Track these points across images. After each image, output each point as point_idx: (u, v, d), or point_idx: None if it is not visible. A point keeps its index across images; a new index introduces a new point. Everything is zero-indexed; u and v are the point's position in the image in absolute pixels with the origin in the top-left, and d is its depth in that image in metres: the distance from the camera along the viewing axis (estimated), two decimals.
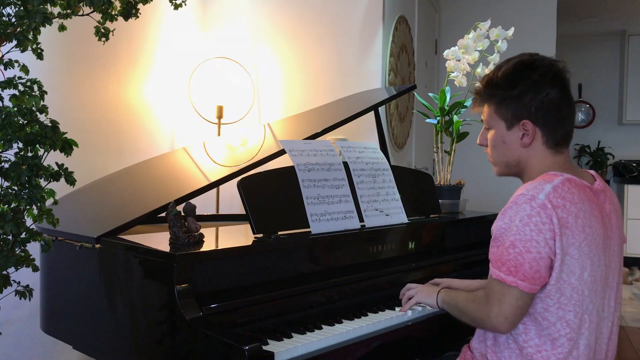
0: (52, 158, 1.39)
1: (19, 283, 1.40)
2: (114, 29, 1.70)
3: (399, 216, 2.02)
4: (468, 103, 2.52)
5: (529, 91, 1.44)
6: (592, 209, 1.40)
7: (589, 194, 1.43)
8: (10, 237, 1.32)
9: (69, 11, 1.53)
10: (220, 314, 1.41)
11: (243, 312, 1.47)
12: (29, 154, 1.32)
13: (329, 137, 2.57)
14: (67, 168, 1.38)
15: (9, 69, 1.35)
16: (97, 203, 2.21)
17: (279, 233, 1.66)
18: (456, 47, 2.51)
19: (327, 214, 1.77)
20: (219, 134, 3.35)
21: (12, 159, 1.31)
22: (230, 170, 1.91)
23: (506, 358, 1.44)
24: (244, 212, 1.64)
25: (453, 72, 2.53)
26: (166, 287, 1.41)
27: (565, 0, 5.28)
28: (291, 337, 1.45)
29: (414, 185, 2.25)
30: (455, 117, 2.57)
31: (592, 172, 1.53)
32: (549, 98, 1.43)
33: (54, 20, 1.41)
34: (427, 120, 2.66)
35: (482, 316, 1.42)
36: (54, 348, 2.56)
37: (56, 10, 1.52)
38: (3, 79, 1.32)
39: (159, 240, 1.64)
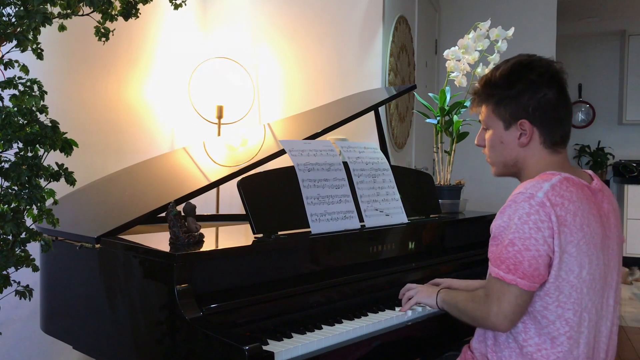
0: (52, 158, 1.39)
1: (19, 283, 1.40)
2: (114, 29, 1.70)
3: (399, 216, 2.02)
4: (468, 103, 2.51)
5: (527, 91, 1.45)
6: (590, 208, 1.41)
7: (587, 193, 1.43)
8: (10, 237, 1.32)
9: (69, 11, 1.53)
10: (220, 314, 1.41)
11: (243, 312, 1.47)
12: (29, 154, 1.32)
13: (329, 137, 2.57)
14: (67, 168, 1.38)
15: (9, 69, 1.35)
16: (97, 203, 2.21)
17: (279, 233, 1.66)
18: (456, 47, 2.51)
19: (327, 214, 1.77)
20: (219, 134, 3.35)
21: (12, 159, 1.31)
22: (230, 170, 1.91)
23: (506, 357, 1.44)
24: (244, 212, 1.64)
25: (453, 72, 2.53)
26: (166, 287, 1.41)
27: (565, 0, 5.28)
28: (291, 337, 1.45)
29: (414, 185, 2.25)
30: (455, 117, 2.57)
31: (590, 171, 1.54)
32: (547, 98, 1.44)
33: (54, 20, 1.41)
34: (427, 120, 2.66)
35: (481, 315, 1.42)
36: (54, 348, 2.56)
37: (56, 10, 1.52)
38: (3, 79, 1.32)
39: (159, 240, 1.64)
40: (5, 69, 1.35)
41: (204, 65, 3.37)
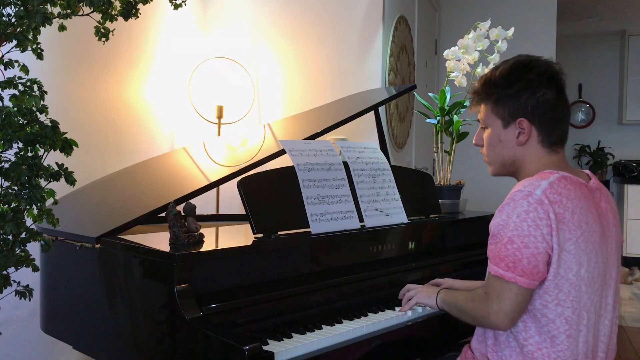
0: (52, 158, 1.39)
1: (19, 283, 1.40)
2: (114, 29, 1.70)
3: (399, 216, 2.02)
4: (468, 103, 2.51)
5: (526, 90, 1.46)
6: (588, 206, 1.42)
7: (585, 191, 1.44)
8: (10, 237, 1.32)
9: (69, 11, 1.53)
10: (220, 314, 1.41)
11: (243, 312, 1.47)
12: (29, 154, 1.32)
13: (329, 137, 2.57)
14: (67, 168, 1.38)
15: (9, 69, 1.35)
16: (97, 203, 2.21)
17: (279, 233, 1.66)
18: (456, 47, 2.51)
19: (327, 213, 1.77)
20: (219, 134, 3.35)
21: (12, 159, 1.31)
22: (230, 170, 1.91)
23: (507, 357, 1.44)
24: (244, 212, 1.64)
25: (453, 72, 2.53)
26: (166, 287, 1.41)
27: (565, 0, 5.28)
28: (291, 337, 1.45)
29: (414, 185, 2.25)
30: (455, 117, 2.57)
31: (588, 171, 1.55)
32: (545, 98, 1.46)
33: (54, 20, 1.41)
34: (427, 120, 2.66)
35: (481, 314, 1.42)
36: (54, 348, 2.56)
37: (56, 10, 1.52)
38: (3, 79, 1.32)
39: (159, 240, 1.64)
40: (5, 69, 1.35)
41: (204, 65, 3.37)
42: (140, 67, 3.13)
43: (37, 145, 1.32)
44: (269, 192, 1.71)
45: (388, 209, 1.99)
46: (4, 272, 1.33)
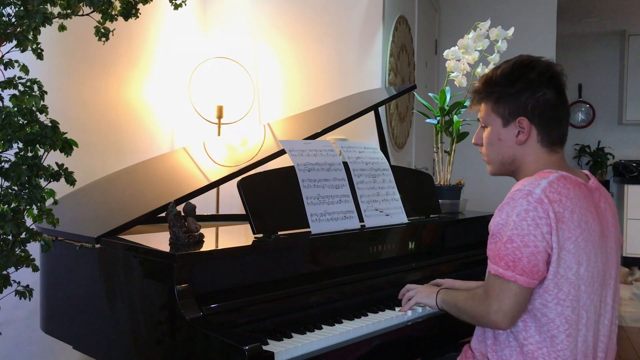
0: (52, 158, 1.39)
1: (19, 283, 1.40)
2: (114, 29, 1.70)
3: (399, 216, 2.02)
4: (468, 103, 2.51)
5: (527, 89, 1.47)
6: (587, 205, 1.42)
7: (584, 191, 1.44)
8: (10, 237, 1.32)
9: (69, 11, 1.53)
10: (220, 314, 1.41)
11: (243, 312, 1.47)
12: (29, 154, 1.32)
13: (329, 137, 2.57)
14: (67, 168, 1.38)
15: (9, 69, 1.36)
16: (97, 203, 2.21)
17: (279, 233, 1.66)
18: (456, 47, 2.51)
19: (327, 214, 1.77)
20: (219, 134, 3.35)
21: (12, 159, 1.31)
22: (230, 170, 1.91)
23: (507, 356, 1.44)
24: (244, 212, 1.64)
25: (453, 72, 2.53)
26: (166, 287, 1.41)
27: (565, 0, 5.28)
28: (291, 337, 1.45)
29: (414, 185, 2.25)
30: (455, 117, 2.57)
31: (586, 171, 1.55)
32: (546, 98, 1.46)
33: (54, 20, 1.41)
34: (427, 120, 2.66)
35: (481, 313, 1.42)
36: (54, 348, 2.56)
37: (56, 10, 1.52)
38: (3, 79, 1.32)
39: (159, 240, 1.64)
40: (5, 69, 1.35)
41: (204, 65, 3.37)
42: (140, 67, 3.13)
43: (37, 145, 1.32)
44: (269, 192, 1.71)
45: (388, 209, 1.99)
46: (4, 272, 1.33)
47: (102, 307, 1.67)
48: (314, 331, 1.50)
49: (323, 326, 1.54)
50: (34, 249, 1.50)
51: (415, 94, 2.92)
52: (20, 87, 1.32)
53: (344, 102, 2.85)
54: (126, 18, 1.72)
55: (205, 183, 1.84)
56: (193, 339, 1.34)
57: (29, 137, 1.30)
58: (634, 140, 6.88)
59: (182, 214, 1.61)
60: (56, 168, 1.37)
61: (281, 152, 1.91)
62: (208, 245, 1.58)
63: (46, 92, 1.37)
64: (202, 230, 1.62)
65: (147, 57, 3.19)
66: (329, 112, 2.70)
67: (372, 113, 2.47)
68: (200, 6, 3.61)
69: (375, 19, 3.31)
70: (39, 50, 1.43)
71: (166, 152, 3.01)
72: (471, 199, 2.89)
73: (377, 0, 3.30)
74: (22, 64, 1.38)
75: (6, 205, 1.30)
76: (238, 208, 3.09)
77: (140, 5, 1.74)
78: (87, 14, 1.60)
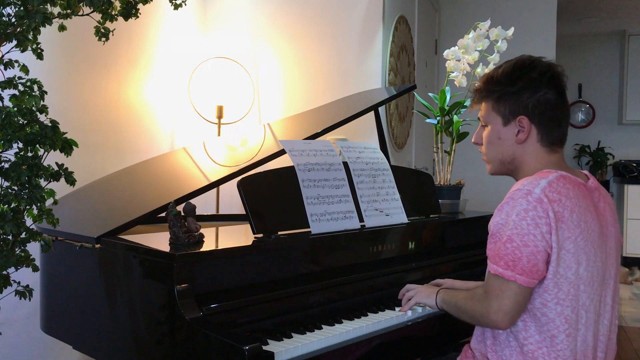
0: (52, 158, 1.39)
1: (19, 283, 1.40)
2: (114, 29, 1.70)
3: (399, 216, 2.02)
4: (468, 103, 2.51)
5: (528, 89, 1.47)
6: (587, 205, 1.42)
7: (584, 191, 1.45)
8: (10, 237, 1.32)
9: (69, 11, 1.53)
10: (220, 314, 1.41)
11: (243, 312, 1.47)
12: (29, 154, 1.32)
13: (329, 137, 2.57)
14: (67, 168, 1.38)
15: (9, 69, 1.36)
16: (97, 203, 2.21)
17: (279, 233, 1.66)
18: (456, 47, 2.51)
19: (327, 214, 1.77)
20: (219, 134, 3.35)
21: (12, 159, 1.31)
22: (230, 170, 1.91)
23: (507, 356, 1.44)
24: (244, 212, 1.64)
25: (453, 72, 2.53)
26: (166, 287, 1.41)
27: (565, 0, 5.28)
28: (291, 337, 1.45)
29: (414, 185, 2.25)
30: (455, 117, 2.57)
31: (586, 172, 1.56)
32: (546, 97, 1.47)
33: (54, 20, 1.41)
34: (427, 120, 2.66)
35: (481, 313, 1.42)
36: (54, 348, 2.56)
37: (56, 10, 1.52)
38: (3, 79, 1.32)
39: (159, 240, 1.64)
40: (5, 69, 1.35)
41: (204, 65, 3.37)
42: (140, 67, 3.13)
43: (37, 145, 1.32)
44: (269, 192, 1.71)
45: (388, 209, 1.99)
46: (4, 272, 1.33)
47: (102, 307, 1.67)
48: (314, 331, 1.50)
49: (323, 326, 1.54)
50: (34, 249, 1.50)
51: (415, 94, 2.92)
52: (20, 87, 1.32)
53: (344, 102, 2.85)
54: (126, 18, 1.72)
55: (205, 183, 1.83)
56: (193, 339, 1.34)
57: (29, 137, 1.30)
58: (634, 140, 6.88)
59: (182, 214, 1.61)
60: (56, 168, 1.37)
61: (281, 152, 1.91)
62: (208, 245, 1.58)
63: (46, 92, 1.37)
64: (202, 230, 1.62)
65: (147, 57, 3.19)
66: (329, 112, 2.70)
67: (372, 113, 2.47)
68: (200, 6, 3.61)
69: (375, 19, 3.31)
70: (39, 50, 1.43)
71: (166, 152, 3.01)
72: (471, 199, 2.89)
73: (377, 0, 3.30)
74: (22, 64, 1.38)
75: (6, 205, 1.30)
76: (238, 208, 3.09)
77: (140, 5, 1.74)
78: (87, 14, 1.60)
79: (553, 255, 1.35)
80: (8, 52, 1.37)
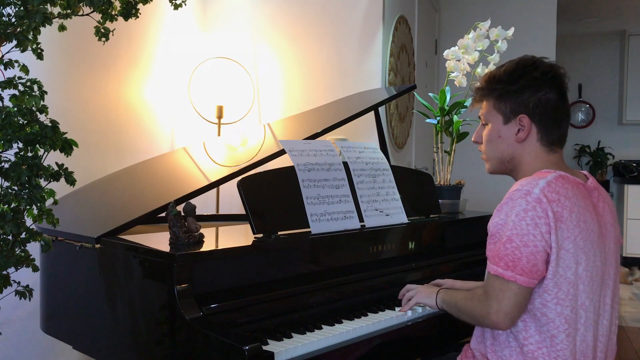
0: (52, 158, 1.39)
1: (19, 283, 1.40)
2: (114, 29, 1.70)
3: (399, 216, 2.02)
4: (468, 103, 2.52)
5: (529, 88, 1.48)
6: (586, 205, 1.42)
7: (582, 191, 1.45)
8: (10, 237, 1.32)
9: (69, 11, 1.53)
10: (220, 314, 1.41)
11: (243, 312, 1.47)
12: (29, 154, 1.32)
13: (329, 137, 2.57)
14: (67, 168, 1.38)
15: (9, 69, 1.35)
16: (97, 203, 2.21)
17: (279, 233, 1.66)
18: (456, 47, 2.51)
19: (327, 214, 1.77)
20: (219, 134, 3.35)
21: (12, 159, 1.31)
22: (230, 170, 1.91)
23: (507, 356, 1.44)
24: (244, 212, 1.64)
25: (453, 72, 2.53)
26: (166, 287, 1.41)
27: (565, 0, 5.28)
28: (291, 337, 1.45)
29: (414, 185, 2.25)
30: (455, 117, 2.57)
31: (585, 172, 1.56)
32: (547, 97, 1.47)
33: (54, 20, 1.41)
34: (427, 120, 2.66)
35: (481, 313, 1.42)
36: (54, 348, 2.56)
37: (56, 10, 1.52)
38: (3, 79, 1.32)
39: (159, 240, 1.64)
40: (5, 69, 1.35)
41: (204, 65, 3.37)
42: (140, 67, 3.13)
43: (37, 145, 1.32)
44: (269, 192, 1.71)
45: (388, 209, 1.99)
46: (4, 272, 1.33)
47: (102, 307, 1.67)
48: (314, 331, 1.50)
49: (323, 326, 1.54)
50: (34, 249, 1.50)
51: (415, 94, 2.92)
52: (20, 87, 1.32)
53: (344, 102, 2.85)
54: (126, 18, 1.72)
55: (205, 183, 1.83)
56: (193, 339, 1.34)
57: (29, 137, 1.30)
58: (634, 140, 6.88)
59: (182, 214, 1.61)
60: (56, 168, 1.37)
61: (281, 152, 1.91)
62: (208, 245, 1.58)
63: (46, 92, 1.36)
64: (202, 230, 1.62)
65: (147, 57, 3.19)
66: (329, 112, 2.70)
67: (372, 113, 2.47)
68: (200, 6, 3.61)
69: (375, 19, 3.31)
70: (39, 50, 1.43)
71: (166, 152, 3.01)
72: (471, 199, 2.89)
73: (377, 0, 3.30)
74: (22, 64, 1.37)
75: (6, 205, 1.30)
76: (238, 208, 3.09)
77: (140, 5, 1.74)
78: (87, 14, 1.60)
79: (552, 255, 1.36)
80: (8, 52, 1.37)
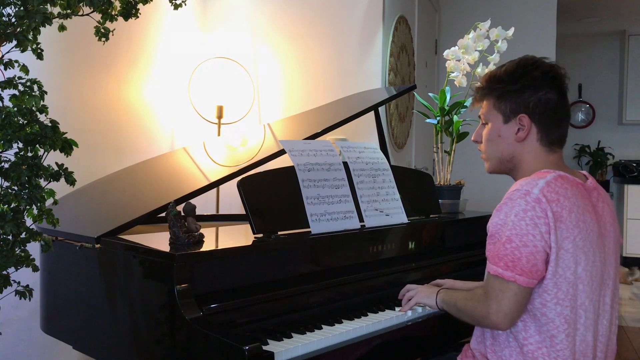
0: (52, 158, 1.39)
1: (19, 283, 1.40)
2: (114, 29, 1.70)
3: (399, 216, 2.02)
4: (468, 103, 2.52)
5: (530, 87, 1.48)
6: (585, 205, 1.42)
7: (582, 191, 1.45)
8: (10, 237, 1.32)
9: (69, 11, 1.53)
10: (220, 314, 1.41)
11: (243, 312, 1.47)
12: (29, 154, 1.32)
13: (329, 137, 2.57)
14: (67, 168, 1.38)
15: (9, 69, 1.35)
16: (97, 203, 2.21)
17: (279, 233, 1.66)
18: (456, 47, 2.51)
19: (327, 214, 1.77)
20: (219, 134, 3.35)
21: (12, 159, 1.31)
22: (230, 170, 1.91)
23: (507, 357, 1.44)
24: (244, 212, 1.64)
25: (453, 72, 2.53)
26: (166, 287, 1.41)
27: (565, 0, 5.28)
28: (291, 337, 1.45)
29: (414, 185, 2.25)
30: (455, 117, 2.57)
31: (584, 172, 1.56)
32: (548, 97, 1.48)
33: (54, 20, 1.41)
34: (427, 120, 2.66)
35: (481, 313, 1.42)
36: (54, 348, 2.56)
37: (56, 10, 1.52)
38: (3, 79, 1.32)
39: (159, 240, 1.64)
40: (5, 69, 1.35)
41: (204, 65, 3.37)
42: (140, 67, 3.13)
43: (37, 145, 1.32)
44: (269, 192, 1.71)
45: (388, 209, 1.99)
46: (4, 272, 1.33)
47: (102, 307, 1.67)
48: (314, 331, 1.50)
49: (323, 326, 1.54)
50: (34, 249, 1.50)
51: (415, 94, 2.92)
52: (20, 87, 1.32)
53: (344, 102, 2.85)
54: (126, 18, 1.72)
55: (205, 183, 1.83)
56: (193, 339, 1.34)
57: (29, 137, 1.30)
58: (634, 140, 6.88)
59: (182, 214, 1.61)
60: (56, 168, 1.37)
61: (281, 152, 1.91)
62: (208, 245, 1.58)
63: (46, 92, 1.36)
64: (202, 230, 1.62)
65: (147, 57, 3.19)
66: (329, 112, 2.70)
67: (372, 113, 2.47)
68: (200, 6, 3.61)
69: (375, 19, 3.31)
70: (39, 50, 1.43)
71: (166, 152, 3.01)
72: (471, 199, 2.89)
73: (377, 0, 3.30)
74: (22, 64, 1.37)
75: (6, 205, 1.30)
76: (238, 208, 3.09)
77: (140, 5, 1.74)
78: (87, 14, 1.60)
79: (552, 255, 1.36)
80: (8, 52, 1.37)
